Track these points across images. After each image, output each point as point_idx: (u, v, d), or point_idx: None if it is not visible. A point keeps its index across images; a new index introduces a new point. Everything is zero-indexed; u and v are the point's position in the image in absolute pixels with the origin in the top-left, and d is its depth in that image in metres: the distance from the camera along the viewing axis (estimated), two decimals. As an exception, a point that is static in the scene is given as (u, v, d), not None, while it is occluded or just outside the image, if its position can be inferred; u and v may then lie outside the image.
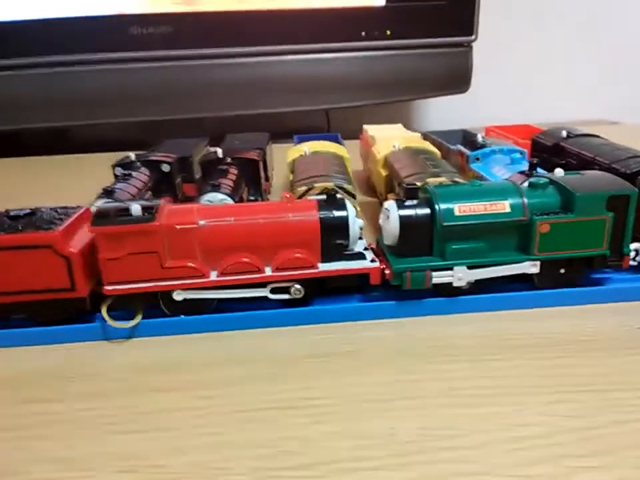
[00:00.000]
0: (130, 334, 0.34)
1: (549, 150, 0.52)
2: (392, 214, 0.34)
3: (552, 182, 0.35)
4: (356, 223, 0.35)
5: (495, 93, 1.01)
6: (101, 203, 0.38)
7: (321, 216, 0.34)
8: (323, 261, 0.35)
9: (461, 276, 0.34)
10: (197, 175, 0.55)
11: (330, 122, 1.00)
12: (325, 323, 0.35)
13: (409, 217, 0.34)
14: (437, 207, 0.34)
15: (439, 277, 0.34)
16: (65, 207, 0.36)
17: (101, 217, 0.32)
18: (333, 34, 0.83)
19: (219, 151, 0.50)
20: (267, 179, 0.55)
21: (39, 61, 0.79)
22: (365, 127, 0.64)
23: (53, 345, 0.33)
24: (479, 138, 0.55)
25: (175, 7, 0.79)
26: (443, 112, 1.04)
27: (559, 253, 0.34)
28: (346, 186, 0.41)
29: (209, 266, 0.34)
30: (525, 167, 0.46)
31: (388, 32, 0.83)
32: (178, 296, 0.34)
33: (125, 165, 0.49)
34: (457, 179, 0.41)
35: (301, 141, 0.60)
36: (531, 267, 0.35)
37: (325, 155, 0.50)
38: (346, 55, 0.84)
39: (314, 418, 0.26)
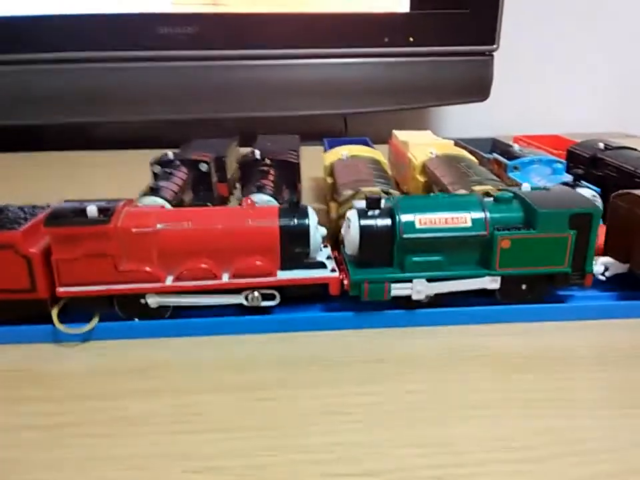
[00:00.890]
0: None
1: (586, 162, 0.51)
2: (353, 223, 0.34)
3: (516, 197, 0.35)
4: (318, 232, 0.35)
5: (508, 102, 1.01)
6: (148, 200, 0.39)
7: (281, 223, 0.34)
8: (282, 269, 0.34)
9: (420, 289, 0.34)
10: (229, 175, 0.56)
11: (347, 126, 1.00)
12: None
13: (370, 226, 0.34)
14: (397, 218, 0.33)
15: (397, 289, 0.34)
16: (34, 206, 0.35)
17: (55, 217, 0.31)
18: (356, 39, 0.83)
19: (257, 152, 0.50)
20: (300, 180, 0.55)
21: (65, 57, 0.79)
22: (395, 132, 0.64)
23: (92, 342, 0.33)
24: (516, 147, 0.54)
25: (202, 8, 0.80)
26: (458, 119, 1.04)
27: (520, 268, 0.34)
28: (392, 191, 0.41)
29: (165, 271, 0.33)
30: (566, 178, 0.45)
31: (410, 38, 0.83)
32: (153, 303, 0.33)
33: (163, 163, 0.49)
34: (502, 187, 0.40)
35: (331, 144, 0.60)
36: (491, 282, 0.34)
37: (364, 160, 0.50)
38: (368, 60, 0.85)
39: (368, 424, 0.26)
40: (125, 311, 0.34)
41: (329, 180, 0.49)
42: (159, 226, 0.33)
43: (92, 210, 0.32)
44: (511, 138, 0.70)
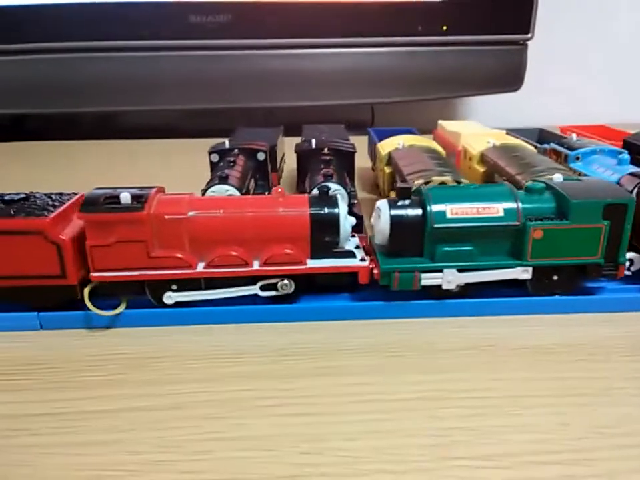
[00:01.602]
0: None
1: None
2: (383, 213, 0.34)
3: (549, 187, 0.35)
4: (347, 221, 0.35)
5: (535, 92, 0.98)
6: (219, 189, 0.40)
7: (312, 212, 0.34)
8: (312, 258, 0.34)
9: (450, 279, 0.34)
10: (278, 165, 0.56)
11: (374, 116, 1.00)
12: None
13: (400, 216, 0.34)
14: (428, 208, 0.33)
15: (428, 279, 0.34)
16: (61, 193, 0.36)
17: (90, 204, 0.32)
18: (389, 28, 0.83)
19: (313, 142, 0.50)
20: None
21: (97, 45, 0.80)
22: (441, 122, 0.64)
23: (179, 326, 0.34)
24: (573, 137, 0.54)
25: None
26: (485, 109, 1.03)
27: (552, 259, 0.34)
28: (463, 180, 0.41)
29: (197, 257, 0.34)
30: (632, 168, 0.44)
31: (444, 27, 0.83)
32: (168, 300, 0.34)
33: (220, 151, 0.50)
34: (570, 175, 0.39)
35: (377, 134, 0.60)
36: (522, 273, 0.34)
37: (422, 149, 0.50)
38: (400, 49, 0.85)
39: (473, 410, 0.26)
40: (155, 297, 0.34)
41: (387, 169, 0.50)
42: (190, 213, 0.33)
43: (125, 197, 0.32)
44: (548, 128, 0.69)
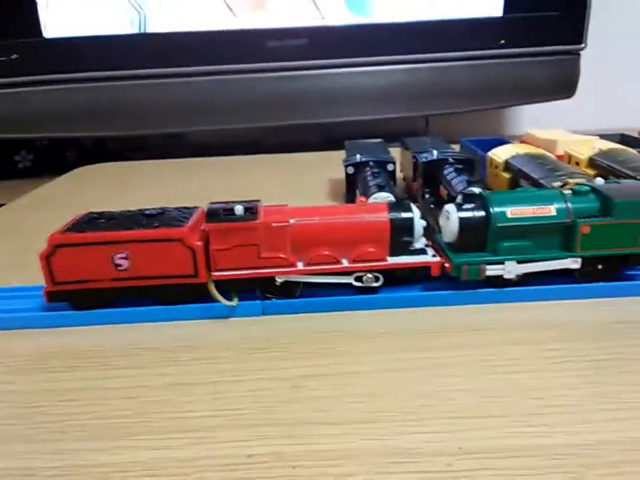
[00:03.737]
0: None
1: None
2: (452, 215, 0.40)
3: (593, 190, 0.41)
4: (420, 223, 0.41)
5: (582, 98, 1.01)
6: (380, 196, 0.46)
7: (391, 217, 0.40)
8: (392, 255, 0.41)
9: (510, 269, 0.40)
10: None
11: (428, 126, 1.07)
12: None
13: (467, 218, 0.40)
14: (491, 209, 0.39)
15: (491, 270, 0.40)
16: (186, 207, 0.43)
17: (213, 215, 0.39)
18: (450, 43, 0.90)
19: (434, 153, 0.55)
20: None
21: (180, 71, 0.90)
22: (531, 131, 0.67)
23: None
24: None
25: (310, 21, 0.90)
26: (530, 117, 1.07)
27: (598, 250, 0.40)
28: (594, 182, 0.43)
29: (296, 257, 0.40)
30: None
31: (502, 41, 0.90)
32: (279, 279, 0.40)
33: (355, 164, 0.57)
34: None
35: (474, 144, 0.66)
36: (572, 263, 0.40)
37: (539, 156, 0.54)
38: (460, 63, 0.92)
39: None
40: (263, 291, 0.41)
41: (506, 175, 0.55)
42: (291, 221, 0.40)
43: (239, 209, 0.39)
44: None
